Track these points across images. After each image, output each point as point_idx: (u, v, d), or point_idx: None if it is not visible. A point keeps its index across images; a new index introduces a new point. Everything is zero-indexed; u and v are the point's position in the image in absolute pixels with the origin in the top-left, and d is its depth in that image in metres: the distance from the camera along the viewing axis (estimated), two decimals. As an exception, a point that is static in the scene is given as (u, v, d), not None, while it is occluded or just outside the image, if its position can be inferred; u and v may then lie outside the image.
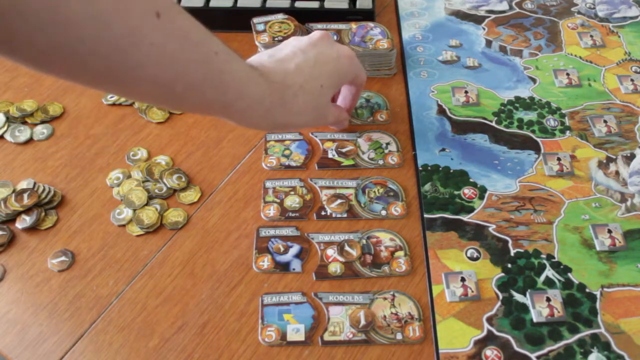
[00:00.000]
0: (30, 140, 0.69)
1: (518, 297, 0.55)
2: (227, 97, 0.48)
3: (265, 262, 0.58)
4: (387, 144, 0.67)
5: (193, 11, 0.78)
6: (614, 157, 0.66)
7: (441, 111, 0.71)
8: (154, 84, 0.43)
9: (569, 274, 0.56)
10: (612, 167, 0.65)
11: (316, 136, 0.68)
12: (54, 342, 0.53)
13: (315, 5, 0.78)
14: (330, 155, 0.66)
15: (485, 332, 0.53)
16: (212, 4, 0.79)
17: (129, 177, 0.64)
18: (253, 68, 0.51)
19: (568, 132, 0.68)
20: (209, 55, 0.46)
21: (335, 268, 0.57)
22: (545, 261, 0.57)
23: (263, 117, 0.53)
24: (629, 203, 0.62)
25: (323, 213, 0.61)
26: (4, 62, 0.78)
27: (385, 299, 0.55)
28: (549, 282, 0.56)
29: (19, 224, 0.61)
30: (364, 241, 0.59)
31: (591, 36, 0.79)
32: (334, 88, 0.59)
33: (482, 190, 0.63)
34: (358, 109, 0.71)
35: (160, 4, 0.40)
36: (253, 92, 0.50)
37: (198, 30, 0.45)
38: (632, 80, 0.74)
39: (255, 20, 0.74)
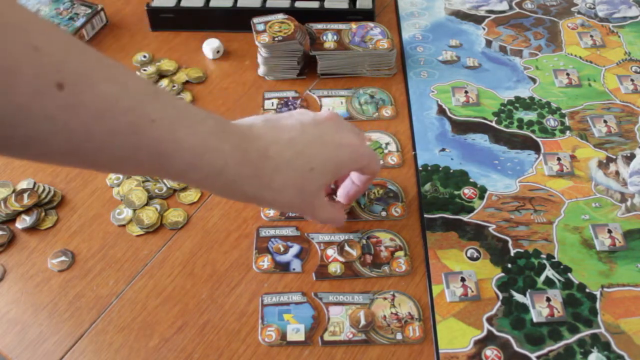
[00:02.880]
0: (30, 140, 0.69)
1: (518, 297, 0.55)
2: (174, 168, 0.42)
3: (265, 262, 0.58)
4: (387, 144, 0.67)
5: (193, 11, 0.79)
6: (614, 157, 0.66)
7: (441, 111, 0.71)
8: (66, 156, 0.38)
9: (569, 274, 0.56)
10: (612, 167, 0.65)
11: (316, 136, 0.68)
12: (54, 342, 0.53)
13: (315, 5, 0.78)
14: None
15: (485, 332, 0.53)
16: (212, 4, 0.79)
17: (129, 177, 0.64)
18: (218, 134, 0.43)
19: (568, 132, 0.68)
20: (140, 125, 0.38)
21: (335, 268, 0.57)
22: (545, 261, 0.57)
23: (227, 189, 0.46)
24: (629, 203, 0.62)
25: (323, 213, 0.61)
26: (4, 62, 0.78)
27: (385, 299, 0.55)
28: (549, 282, 0.56)
29: (19, 224, 0.61)
30: (364, 241, 0.59)
31: (591, 36, 0.79)
32: (327, 176, 0.50)
33: (482, 190, 0.63)
34: (363, 105, 0.71)
35: (67, 74, 0.34)
36: (209, 162, 0.43)
37: (129, 95, 0.38)
38: (632, 80, 0.74)
39: (255, 20, 0.74)
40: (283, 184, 0.48)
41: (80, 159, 0.39)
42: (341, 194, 0.58)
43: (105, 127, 0.37)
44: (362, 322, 0.53)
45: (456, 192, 0.63)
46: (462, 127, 0.69)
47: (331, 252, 0.58)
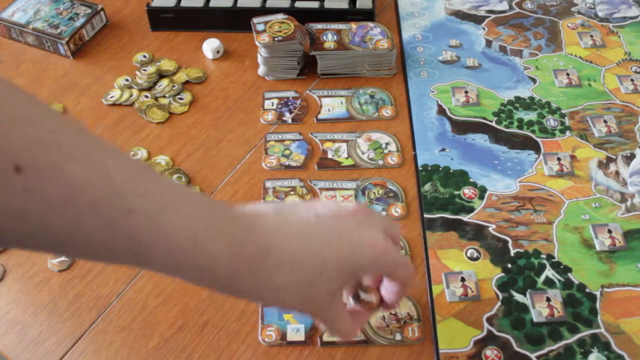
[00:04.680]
0: (30, 140, 0.69)
1: (518, 297, 0.55)
2: (155, 262, 0.36)
3: (265, 262, 0.58)
4: (387, 144, 0.67)
5: (193, 11, 0.79)
6: (614, 157, 0.66)
7: (441, 111, 0.71)
8: (35, 247, 0.33)
9: (569, 274, 0.56)
10: (612, 167, 0.65)
11: (316, 136, 0.68)
12: (54, 342, 0.53)
13: (315, 5, 0.78)
14: (330, 156, 0.66)
15: (485, 332, 0.53)
16: (212, 4, 0.79)
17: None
18: (210, 228, 0.37)
19: (568, 132, 0.68)
20: (113, 217, 0.32)
21: (335, 268, 0.57)
22: (545, 261, 0.57)
23: (220, 286, 0.40)
24: (629, 203, 0.62)
25: (323, 213, 0.61)
26: (4, 61, 0.78)
27: (385, 299, 0.55)
28: (549, 282, 0.56)
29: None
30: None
31: (591, 36, 0.79)
32: (339, 282, 0.42)
33: (482, 190, 0.63)
34: (363, 105, 0.71)
35: (26, 155, 0.29)
36: (197, 260, 0.37)
37: (103, 181, 0.32)
38: (632, 80, 0.74)
39: (255, 20, 0.74)
40: (285, 284, 0.40)
41: (48, 250, 0.34)
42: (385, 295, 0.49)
43: (68, 219, 0.31)
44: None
45: (456, 192, 0.63)
46: (462, 127, 0.69)
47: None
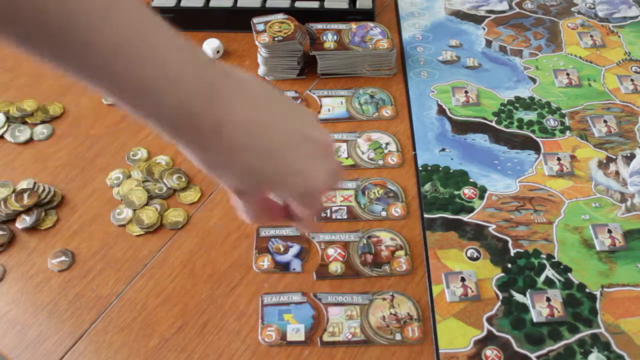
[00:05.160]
0: (30, 140, 0.69)
1: (518, 297, 0.55)
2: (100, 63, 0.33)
3: (265, 262, 0.58)
4: (387, 144, 0.67)
5: (193, 11, 0.79)
6: (614, 157, 0.66)
7: (441, 111, 0.71)
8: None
9: (569, 274, 0.56)
10: (612, 167, 0.65)
11: (316, 136, 0.68)
12: (54, 342, 0.53)
13: (315, 5, 0.78)
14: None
15: (485, 332, 0.53)
16: (212, 4, 0.79)
17: (129, 177, 0.64)
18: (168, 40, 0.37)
19: (568, 132, 0.68)
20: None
21: (335, 267, 0.57)
22: (545, 261, 0.57)
23: (166, 114, 0.36)
24: (629, 203, 0.62)
25: (323, 215, 0.61)
26: (4, 62, 0.78)
27: (384, 299, 0.55)
28: (549, 282, 0.56)
29: (19, 224, 0.61)
30: (364, 241, 0.59)
31: (591, 36, 0.79)
32: (295, 164, 0.41)
33: (482, 190, 0.63)
34: (363, 105, 0.71)
35: None
36: (161, 58, 0.35)
37: None
38: (632, 80, 0.74)
39: (255, 20, 0.74)
40: (251, 142, 0.38)
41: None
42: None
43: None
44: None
45: (456, 192, 0.63)
46: (462, 127, 0.69)
47: (332, 251, 0.58)
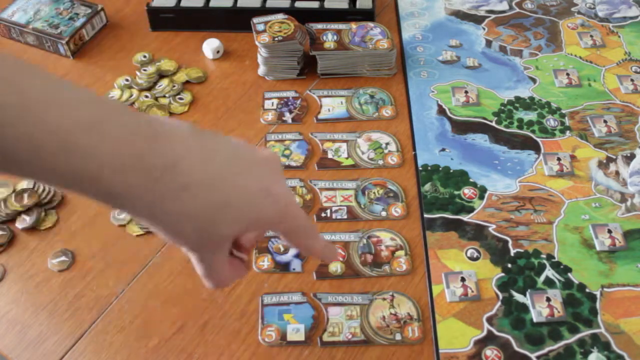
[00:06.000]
0: (30, 140, 0.69)
1: (518, 297, 0.55)
2: (20, 164, 0.31)
3: (265, 262, 0.58)
4: (387, 144, 0.67)
5: (193, 11, 0.79)
6: (614, 157, 0.66)
7: (441, 111, 0.71)
8: None
9: (569, 274, 0.56)
10: (612, 167, 0.65)
11: (316, 136, 0.68)
12: (54, 342, 0.53)
13: (315, 5, 0.78)
14: (330, 156, 0.66)
15: (485, 332, 0.53)
16: (212, 4, 0.79)
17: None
18: (93, 127, 0.32)
19: (568, 132, 0.68)
20: None
21: (335, 267, 0.57)
22: (545, 261, 0.57)
23: (111, 199, 0.34)
24: (629, 203, 0.62)
25: (323, 215, 0.61)
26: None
27: (384, 299, 0.55)
28: (549, 282, 0.56)
29: (19, 224, 0.61)
30: (364, 241, 0.59)
31: (591, 36, 0.79)
32: (239, 226, 0.38)
33: (482, 190, 0.63)
34: (363, 105, 0.71)
35: None
36: (77, 164, 0.32)
37: None
38: (632, 80, 0.74)
39: (255, 20, 0.74)
40: (186, 211, 0.36)
41: None
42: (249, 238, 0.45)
43: None
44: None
45: (456, 192, 0.63)
46: (462, 127, 0.69)
47: (331, 252, 0.58)
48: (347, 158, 0.66)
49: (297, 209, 0.42)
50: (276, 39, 0.71)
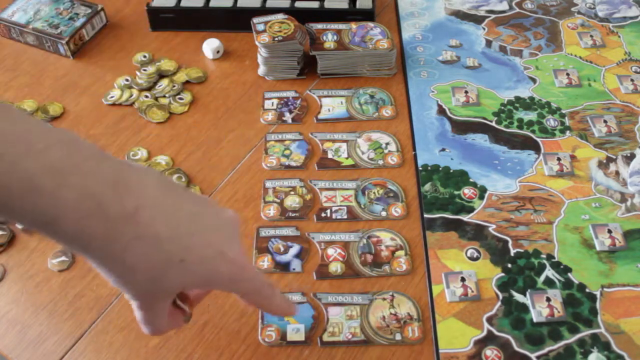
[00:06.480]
0: (30, 140, 0.69)
1: (518, 297, 0.55)
2: None
3: (265, 262, 0.58)
4: (387, 144, 0.67)
5: (193, 11, 0.79)
6: (614, 157, 0.66)
7: (441, 111, 0.71)
8: None
9: (569, 274, 0.56)
10: (612, 167, 0.65)
11: (316, 136, 0.68)
12: (54, 342, 0.53)
13: (315, 5, 0.78)
14: (330, 156, 0.66)
15: (485, 332, 0.53)
16: (212, 4, 0.79)
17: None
18: (56, 171, 0.33)
19: (568, 132, 0.68)
20: None
21: (335, 267, 0.57)
22: (545, 261, 0.57)
23: (62, 240, 0.35)
24: (629, 203, 0.62)
25: (323, 215, 0.61)
26: (4, 61, 0.78)
27: (384, 299, 0.55)
28: (549, 282, 0.56)
29: (19, 224, 0.61)
30: (364, 241, 0.59)
31: (591, 36, 0.79)
32: (194, 280, 0.39)
33: (482, 190, 0.63)
34: (363, 105, 0.71)
35: None
36: (38, 207, 0.33)
37: None
38: (632, 80, 0.74)
39: (255, 20, 0.74)
40: (140, 264, 0.36)
41: None
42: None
43: None
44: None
45: (456, 192, 0.63)
46: (462, 127, 0.69)
47: (332, 251, 0.58)
48: (347, 158, 0.66)
49: (252, 272, 0.43)
50: (276, 39, 0.71)
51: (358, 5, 0.79)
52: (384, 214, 0.61)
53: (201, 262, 0.38)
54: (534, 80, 0.74)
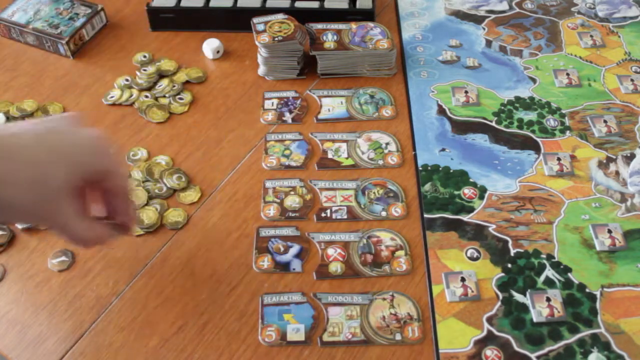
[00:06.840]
0: (30, 140, 0.69)
1: (518, 297, 0.55)
2: None
3: (265, 262, 0.58)
4: (387, 144, 0.67)
5: (193, 11, 0.79)
6: (614, 157, 0.66)
7: (441, 111, 0.71)
8: None
9: (569, 274, 0.56)
10: (612, 167, 0.65)
11: (316, 136, 0.68)
12: (54, 342, 0.53)
13: (315, 5, 0.78)
14: (330, 156, 0.66)
15: (485, 332, 0.53)
16: (212, 4, 0.79)
17: (129, 177, 0.64)
18: None
19: (568, 132, 0.68)
20: None
21: (335, 267, 0.57)
22: (545, 261, 0.57)
23: None
24: (629, 203, 0.62)
25: (323, 215, 0.61)
26: (4, 61, 0.78)
27: (384, 299, 0.55)
28: (549, 282, 0.56)
29: (19, 224, 0.61)
30: (364, 241, 0.59)
31: (591, 36, 0.79)
32: (65, 174, 0.43)
33: (482, 190, 0.63)
34: (363, 105, 0.71)
35: None
36: None
37: None
38: (632, 80, 0.74)
39: (255, 20, 0.74)
40: (12, 175, 0.41)
41: None
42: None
43: None
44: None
45: (456, 192, 0.63)
46: (462, 127, 0.69)
47: (331, 251, 0.58)
48: (347, 158, 0.66)
49: (124, 172, 0.48)
50: (276, 39, 0.71)
51: (358, 5, 0.79)
52: (384, 214, 0.61)
53: (66, 153, 0.44)
54: (534, 80, 0.74)
